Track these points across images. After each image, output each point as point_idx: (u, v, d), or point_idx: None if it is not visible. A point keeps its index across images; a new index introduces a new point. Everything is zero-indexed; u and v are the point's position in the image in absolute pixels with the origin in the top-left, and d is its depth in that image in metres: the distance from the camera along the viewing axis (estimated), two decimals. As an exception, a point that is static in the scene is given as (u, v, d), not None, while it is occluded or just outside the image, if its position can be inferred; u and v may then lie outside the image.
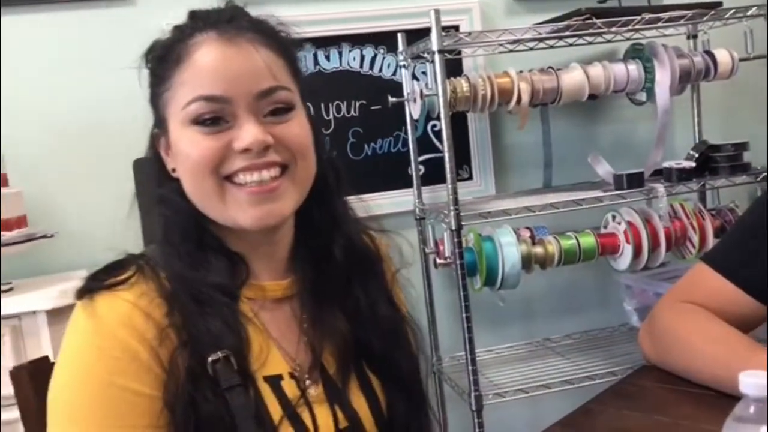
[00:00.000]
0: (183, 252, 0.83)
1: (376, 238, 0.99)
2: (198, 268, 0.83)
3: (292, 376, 0.85)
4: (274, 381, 0.83)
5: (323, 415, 0.84)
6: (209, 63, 0.80)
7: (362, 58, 1.92)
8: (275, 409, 0.81)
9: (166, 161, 0.87)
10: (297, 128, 0.84)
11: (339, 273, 0.90)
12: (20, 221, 1.62)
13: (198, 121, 0.80)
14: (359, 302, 0.91)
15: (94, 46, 1.77)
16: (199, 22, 0.84)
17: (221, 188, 0.81)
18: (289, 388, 0.84)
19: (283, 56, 0.85)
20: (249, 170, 0.80)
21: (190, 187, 0.83)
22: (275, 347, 0.86)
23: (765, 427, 0.64)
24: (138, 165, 1.69)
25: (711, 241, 1.79)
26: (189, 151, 0.81)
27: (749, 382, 0.64)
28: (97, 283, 0.79)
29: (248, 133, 0.79)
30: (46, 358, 0.95)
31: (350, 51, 1.91)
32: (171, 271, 0.81)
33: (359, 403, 0.88)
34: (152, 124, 0.89)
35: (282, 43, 0.86)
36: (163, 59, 0.84)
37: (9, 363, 1.38)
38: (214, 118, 0.80)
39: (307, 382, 0.86)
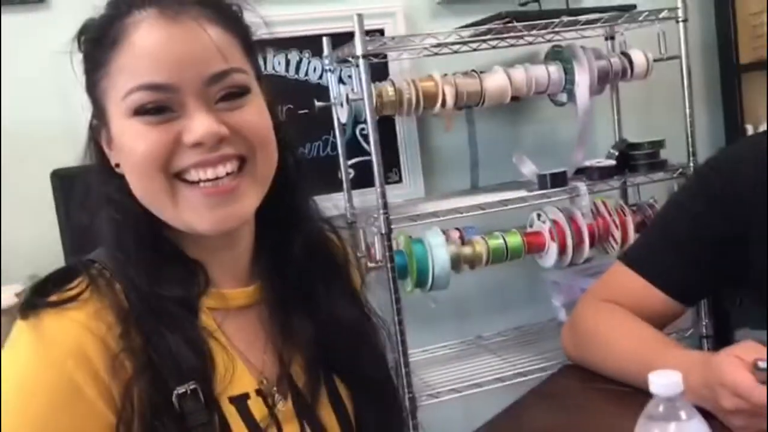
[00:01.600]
0: (138, 261, 0.74)
1: (341, 235, 0.92)
2: (155, 280, 0.74)
3: (258, 392, 0.78)
4: (240, 402, 0.76)
5: (292, 429, 0.79)
6: (150, 46, 0.70)
7: (288, 62, 1.91)
8: None
9: (109, 155, 0.77)
10: (254, 115, 0.74)
11: (302, 275, 0.83)
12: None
13: (141, 111, 0.70)
14: (323, 303, 0.84)
15: (4, 55, 1.71)
16: None
17: (172, 187, 0.72)
18: (256, 407, 0.77)
19: (234, 33, 0.75)
20: (202, 166, 0.71)
21: (137, 186, 0.74)
22: (241, 361, 0.78)
23: (674, 425, 0.67)
24: (56, 176, 1.64)
25: (632, 237, 1.85)
26: (133, 145, 0.71)
27: (658, 382, 0.67)
28: (43, 299, 0.70)
29: (199, 124, 0.70)
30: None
31: (275, 55, 1.89)
32: (126, 283, 0.73)
33: (328, 417, 0.83)
34: (91, 114, 0.79)
35: (233, 18, 0.76)
36: (98, 42, 0.73)
37: None
38: (159, 107, 0.70)
39: (276, 396, 0.79)
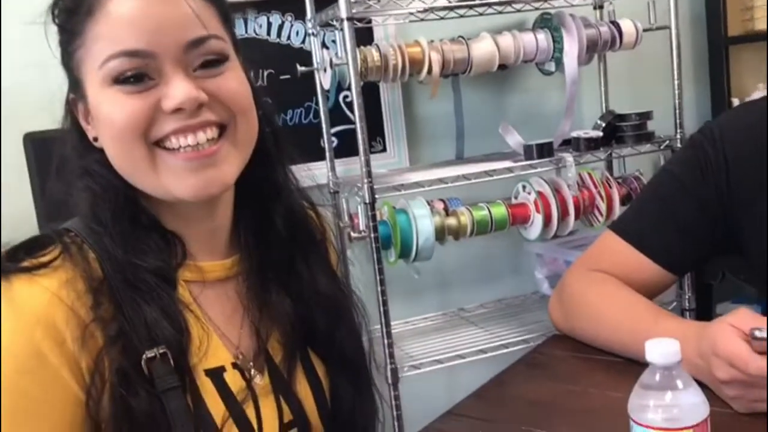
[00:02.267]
0: (115, 232, 0.73)
1: (320, 212, 0.92)
2: (132, 250, 0.73)
3: (235, 365, 0.78)
4: (216, 374, 0.76)
5: (268, 409, 0.78)
6: (127, 12, 0.69)
7: (269, 25, 1.85)
8: (217, 408, 0.74)
9: (86, 129, 0.77)
10: (233, 82, 0.74)
11: (282, 249, 0.83)
12: None
13: (119, 80, 0.70)
14: (302, 279, 0.84)
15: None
16: None
17: (151, 155, 0.72)
18: (233, 380, 0.77)
19: (211, 1, 0.75)
20: (182, 132, 0.71)
21: (116, 156, 0.73)
22: (216, 335, 0.78)
23: (671, 393, 0.65)
24: (29, 139, 1.59)
25: (618, 209, 1.84)
26: (111, 114, 0.71)
27: (656, 350, 0.65)
28: (14, 264, 0.69)
29: (178, 89, 0.69)
30: None
31: (256, 18, 1.83)
32: (101, 253, 0.72)
33: (305, 393, 0.83)
34: (66, 89, 0.78)
35: None
36: (73, 12, 0.72)
37: None
38: (138, 75, 0.70)
39: (252, 371, 0.79)
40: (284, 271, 0.83)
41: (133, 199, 0.76)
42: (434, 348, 1.79)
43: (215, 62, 0.73)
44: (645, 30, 1.87)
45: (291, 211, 0.84)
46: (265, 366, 0.80)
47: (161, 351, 0.70)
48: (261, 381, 0.79)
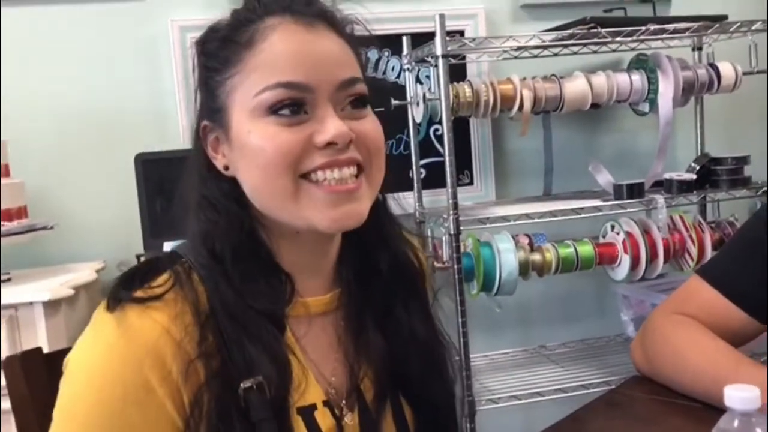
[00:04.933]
0: (232, 268, 0.75)
1: (419, 251, 0.92)
2: (245, 289, 0.74)
3: (326, 403, 0.78)
4: (308, 412, 0.76)
5: None
6: (290, 47, 0.73)
7: (367, 59, 1.92)
8: None
9: (213, 158, 0.78)
10: (373, 124, 0.77)
11: (383, 289, 0.84)
12: (21, 212, 1.63)
13: (274, 109, 0.72)
14: (400, 323, 0.84)
15: (99, 40, 1.78)
16: (270, 4, 0.76)
17: (296, 187, 0.73)
18: (323, 418, 0.77)
19: (353, 50, 0.79)
20: (330, 167, 0.73)
21: (258, 185, 0.75)
22: (312, 371, 0.79)
23: (749, 441, 0.65)
24: (140, 160, 1.71)
25: (709, 254, 1.79)
26: (262, 144, 0.72)
27: (735, 396, 0.65)
28: (129, 293, 0.72)
29: (333, 125, 0.72)
30: (38, 349, 0.95)
31: (355, 53, 1.91)
32: (212, 286, 0.74)
33: None
34: (197, 116, 0.81)
35: (352, 38, 0.80)
36: (229, 41, 0.75)
37: (4, 353, 1.39)
38: (294, 106, 0.72)
39: (344, 409, 0.79)
40: (382, 312, 0.84)
41: (254, 234, 0.77)
42: (513, 383, 1.79)
43: (360, 103, 0.76)
44: (745, 73, 1.83)
45: (395, 255, 0.85)
46: (356, 405, 0.80)
47: (258, 381, 0.71)
48: (351, 420, 0.80)
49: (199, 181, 0.79)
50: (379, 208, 0.83)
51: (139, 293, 0.72)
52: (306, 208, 0.74)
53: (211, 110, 0.78)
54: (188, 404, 0.70)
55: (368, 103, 0.78)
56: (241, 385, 0.71)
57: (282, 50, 0.73)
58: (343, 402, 0.80)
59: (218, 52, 0.77)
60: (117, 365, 0.69)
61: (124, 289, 0.72)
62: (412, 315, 0.85)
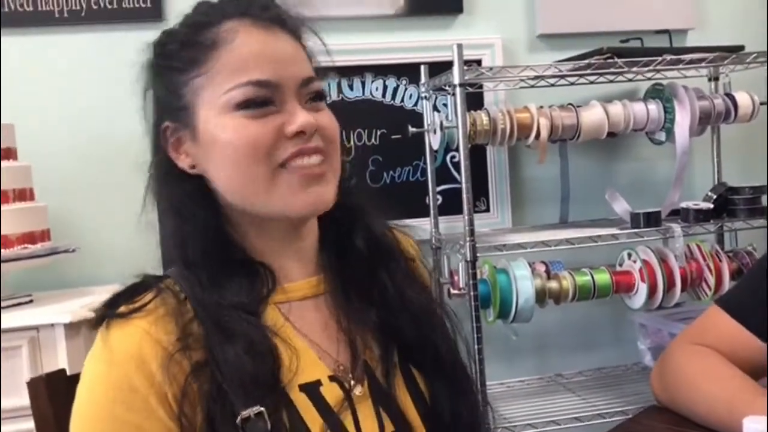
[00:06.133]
0: (204, 275, 0.79)
1: (398, 233, 0.96)
2: (218, 289, 0.79)
3: (333, 378, 0.81)
4: (311, 388, 0.79)
5: (369, 420, 0.81)
6: (255, 48, 0.79)
7: (385, 88, 1.95)
8: (314, 421, 0.77)
9: (177, 158, 0.82)
10: (330, 117, 0.84)
11: (363, 263, 0.88)
12: (44, 235, 1.66)
13: (243, 105, 0.77)
14: (385, 289, 0.87)
15: (120, 64, 1.80)
16: (227, 8, 0.82)
17: (272, 175, 0.78)
18: (330, 392, 0.80)
19: (305, 51, 0.85)
20: (300, 155, 0.79)
21: (232, 177, 0.79)
22: (312, 350, 0.82)
23: (768, 473, 0.65)
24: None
25: (727, 284, 1.78)
26: (231, 138, 0.77)
27: (752, 427, 0.65)
28: (112, 310, 0.77)
29: (301, 116, 0.78)
30: (62, 370, 0.96)
31: (373, 81, 1.94)
32: (192, 297, 0.78)
33: (406, 403, 0.84)
34: (155, 118, 0.83)
35: (304, 39, 0.86)
36: (193, 43, 0.80)
37: (26, 374, 1.41)
38: (263, 102, 0.78)
39: (352, 382, 0.82)
40: (366, 282, 0.87)
41: (221, 232, 0.82)
42: (529, 411, 1.78)
43: (319, 98, 0.83)
44: (762, 103, 1.84)
45: (369, 229, 0.90)
46: (365, 376, 0.83)
47: (255, 411, 0.73)
48: (360, 392, 0.82)
49: (162, 185, 0.83)
50: (344, 190, 0.88)
51: (122, 309, 0.77)
52: (279, 195, 0.79)
53: (173, 110, 0.82)
54: (175, 400, 0.74)
55: (324, 98, 0.84)
56: (239, 416, 0.73)
57: (248, 51, 0.79)
58: (350, 375, 0.82)
59: (180, 52, 0.81)
60: (105, 373, 0.75)
61: (109, 308, 0.78)
62: (398, 281, 0.89)
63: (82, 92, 1.83)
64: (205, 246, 0.80)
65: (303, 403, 0.78)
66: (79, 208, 1.83)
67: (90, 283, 1.78)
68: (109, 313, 0.77)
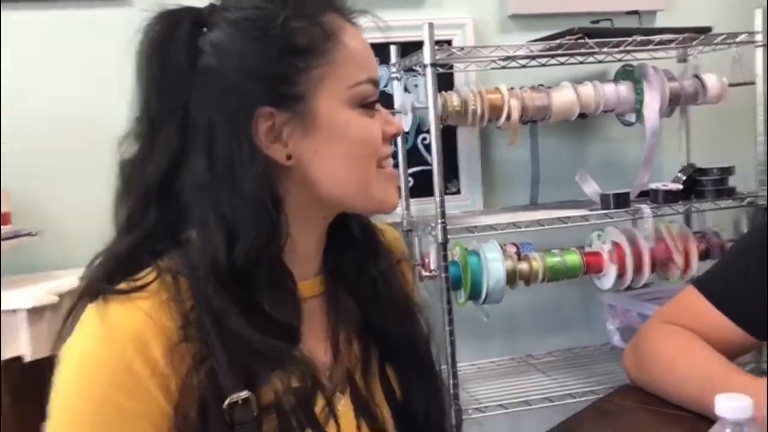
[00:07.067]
0: (238, 289, 0.73)
1: (384, 227, 0.94)
2: (255, 308, 0.73)
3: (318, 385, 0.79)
4: (300, 394, 0.77)
5: (348, 425, 0.80)
6: (362, 45, 0.77)
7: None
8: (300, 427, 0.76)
9: (265, 146, 0.74)
10: None
11: (356, 255, 0.86)
12: (5, 218, 1.61)
13: (365, 103, 0.77)
14: (375, 284, 0.86)
15: (84, 45, 1.77)
16: (316, 2, 0.76)
17: (375, 172, 0.79)
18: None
19: None
20: (388, 156, 0.81)
21: (345, 170, 0.76)
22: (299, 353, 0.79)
23: (740, 450, 0.65)
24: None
25: (695, 264, 1.80)
26: (358, 133, 0.76)
27: (725, 405, 0.65)
28: (111, 286, 0.72)
29: (395, 119, 0.79)
30: (18, 359, 0.93)
31: (343, 61, 1.91)
32: (195, 283, 0.72)
33: (381, 403, 0.85)
34: (247, 101, 0.72)
35: None
36: (305, 31, 0.73)
37: (-14, 361, 1.37)
38: (376, 101, 0.78)
39: (337, 394, 0.82)
40: (356, 276, 0.86)
41: (280, 229, 0.75)
42: (499, 393, 1.79)
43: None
44: (731, 85, 1.85)
45: (364, 223, 0.89)
46: (348, 386, 0.83)
47: (243, 396, 0.71)
48: (343, 404, 0.81)
49: (238, 172, 0.73)
50: None
51: (123, 286, 0.72)
52: (379, 191, 0.79)
53: (281, 96, 0.74)
54: (177, 390, 0.70)
55: None
56: (226, 401, 0.70)
57: (359, 47, 0.77)
58: (328, 374, 0.81)
59: (300, 39, 0.73)
60: (101, 354, 0.70)
61: (106, 283, 0.72)
62: (382, 271, 0.87)
63: (46, 72, 1.77)
64: (260, 244, 0.73)
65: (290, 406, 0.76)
66: (43, 190, 1.78)
67: (54, 267, 1.73)
68: (107, 287, 0.72)
